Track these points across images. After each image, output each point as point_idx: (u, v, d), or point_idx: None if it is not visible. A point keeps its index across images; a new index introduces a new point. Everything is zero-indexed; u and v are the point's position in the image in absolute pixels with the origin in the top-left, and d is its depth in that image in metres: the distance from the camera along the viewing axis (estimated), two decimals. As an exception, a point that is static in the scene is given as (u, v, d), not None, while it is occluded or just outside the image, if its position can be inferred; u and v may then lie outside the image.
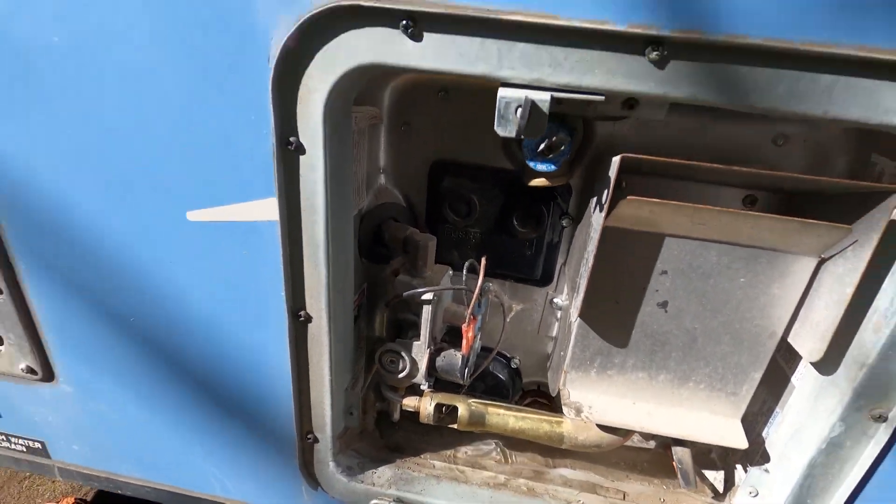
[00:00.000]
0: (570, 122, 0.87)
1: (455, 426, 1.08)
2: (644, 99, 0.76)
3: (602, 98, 0.67)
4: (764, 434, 1.00)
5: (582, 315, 0.90)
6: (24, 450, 1.31)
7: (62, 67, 0.78)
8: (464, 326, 0.98)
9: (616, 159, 0.73)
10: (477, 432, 1.12)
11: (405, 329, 1.05)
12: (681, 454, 0.99)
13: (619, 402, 0.97)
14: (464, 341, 0.99)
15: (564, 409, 0.98)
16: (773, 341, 0.87)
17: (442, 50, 0.67)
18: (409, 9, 0.65)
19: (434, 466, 1.15)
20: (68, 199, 0.90)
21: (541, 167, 0.82)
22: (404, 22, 0.66)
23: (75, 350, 1.09)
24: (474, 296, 0.95)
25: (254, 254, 0.88)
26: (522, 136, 0.70)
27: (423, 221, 1.09)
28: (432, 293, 0.96)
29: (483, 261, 0.93)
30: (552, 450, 1.18)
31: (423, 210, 1.08)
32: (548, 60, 0.66)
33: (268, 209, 0.83)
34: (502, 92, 0.68)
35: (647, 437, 1.11)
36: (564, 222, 1.02)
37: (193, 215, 0.87)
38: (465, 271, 0.95)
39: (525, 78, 0.68)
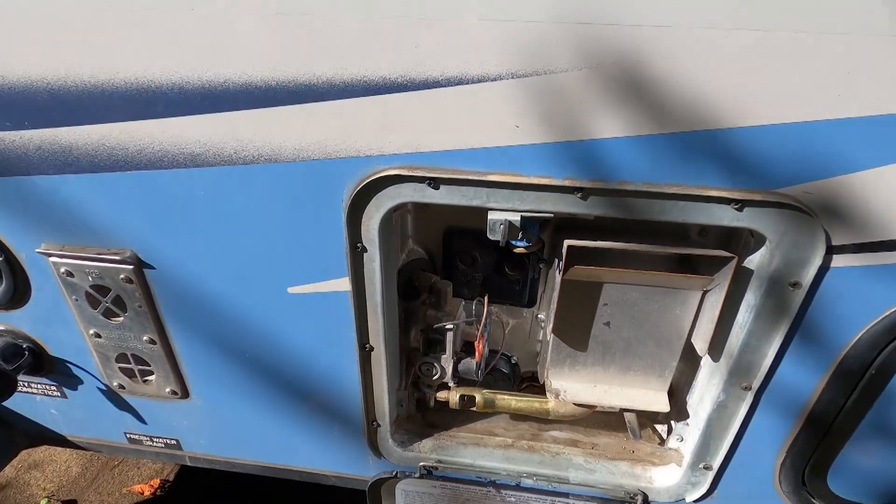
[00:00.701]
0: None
1: (474, 409, 1.47)
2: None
3: (552, 216, 1.08)
4: (686, 399, 1.45)
5: (554, 331, 1.32)
6: (163, 446, 1.68)
7: (205, 207, 1.19)
8: (476, 342, 1.41)
9: (565, 245, 1.14)
10: (490, 412, 1.53)
11: (434, 345, 1.47)
12: (629, 417, 1.41)
13: (585, 387, 1.37)
14: (476, 352, 1.41)
15: (548, 394, 1.41)
16: (681, 342, 1.27)
17: (452, 194, 1.05)
18: (431, 175, 1.04)
19: (461, 437, 1.54)
20: (206, 280, 1.30)
21: (520, 245, 1.24)
22: (428, 181, 1.05)
23: (206, 377, 1.47)
24: (482, 323, 1.38)
25: (335, 310, 1.28)
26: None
27: (441, 269, 1.42)
28: (453, 324, 1.40)
29: (486, 298, 1.36)
30: (543, 420, 1.54)
31: (440, 262, 1.39)
32: (517, 197, 1.04)
33: (343, 284, 1.24)
34: (491, 215, 1.07)
35: (606, 408, 1.56)
36: (541, 265, 1.42)
37: (293, 290, 1.28)
38: (473, 307, 1.39)
39: (504, 206, 1.06)
